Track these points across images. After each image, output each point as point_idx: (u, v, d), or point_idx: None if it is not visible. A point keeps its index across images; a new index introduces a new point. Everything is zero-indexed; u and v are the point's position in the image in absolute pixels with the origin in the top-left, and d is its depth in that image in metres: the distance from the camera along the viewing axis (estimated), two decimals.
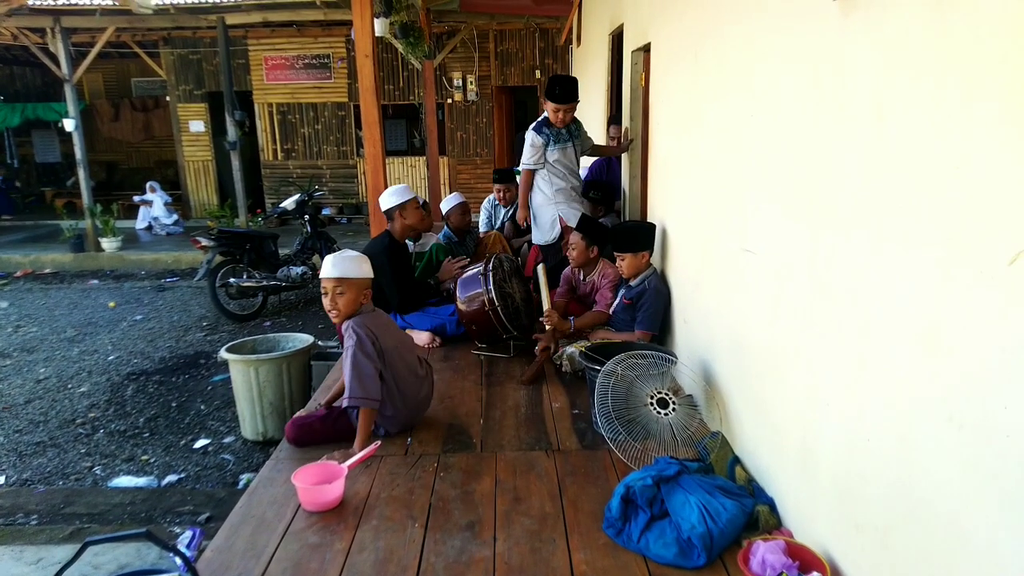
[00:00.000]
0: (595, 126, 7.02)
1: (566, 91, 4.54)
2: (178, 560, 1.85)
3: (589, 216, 4.33)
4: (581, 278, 4.16)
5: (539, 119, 4.77)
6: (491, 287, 3.81)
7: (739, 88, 2.55)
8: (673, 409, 2.72)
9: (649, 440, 2.69)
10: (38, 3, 9.81)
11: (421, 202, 4.49)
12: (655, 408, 2.72)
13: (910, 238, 1.49)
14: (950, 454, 1.37)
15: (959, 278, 1.33)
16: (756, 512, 2.21)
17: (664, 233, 3.70)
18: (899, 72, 1.52)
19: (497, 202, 5.98)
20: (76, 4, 9.98)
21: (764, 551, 1.92)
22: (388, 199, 4.35)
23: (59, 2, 9.82)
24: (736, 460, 2.55)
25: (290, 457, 2.88)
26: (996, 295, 1.23)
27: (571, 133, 4.74)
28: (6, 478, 4.25)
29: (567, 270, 4.26)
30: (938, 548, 1.42)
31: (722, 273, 2.77)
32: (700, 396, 3.03)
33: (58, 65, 10.59)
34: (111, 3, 9.76)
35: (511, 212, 5.88)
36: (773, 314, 2.26)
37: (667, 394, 2.75)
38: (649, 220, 4.13)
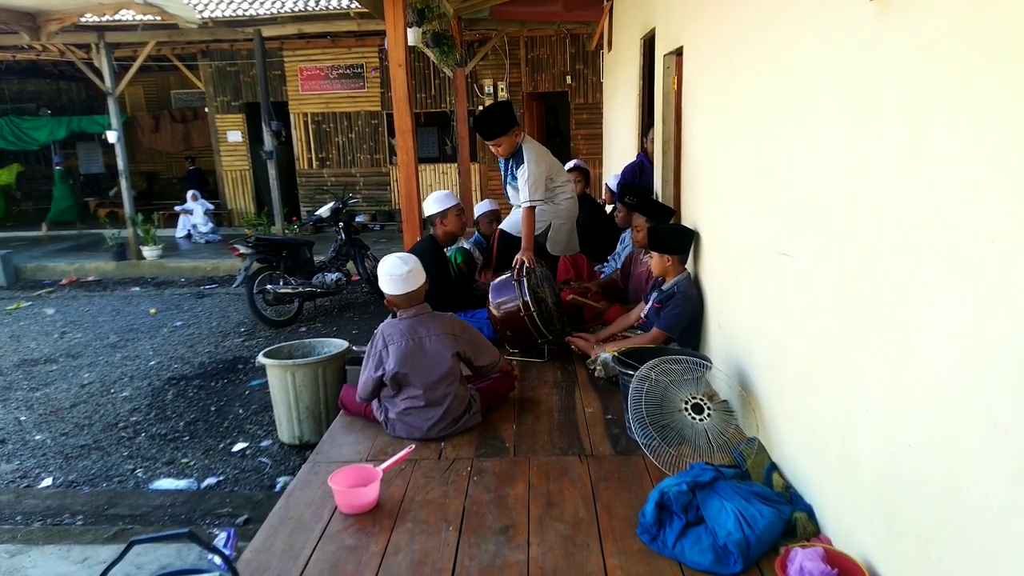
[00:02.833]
0: (626, 130, 7.00)
1: (483, 128, 4.37)
2: (218, 560, 1.89)
3: (648, 193, 4.57)
4: (642, 258, 4.33)
5: None
6: (526, 291, 3.83)
7: (773, 90, 2.53)
8: (708, 414, 2.70)
9: (684, 446, 2.67)
10: (84, 20, 10.12)
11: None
12: (690, 413, 2.70)
13: (952, 242, 1.46)
14: (995, 461, 1.34)
15: (1004, 282, 1.30)
16: (794, 519, 2.18)
17: (697, 236, 3.68)
18: (936, 71, 1.50)
19: None
20: (120, 20, 10.28)
21: (802, 558, 1.89)
22: (431, 205, 4.58)
23: (104, 19, 10.13)
24: (773, 466, 2.52)
25: (326, 460, 2.92)
26: None
27: (510, 171, 4.50)
28: (53, 480, 4.38)
29: (630, 253, 4.55)
30: (983, 559, 1.39)
31: (758, 277, 2.74)
32: (736, 401, 2.99)
33: (102, 79, 10.91)
34: (152, 19, 10.03)
35: None
36: (811, 318, 2.23)
37: (702, 399, 2.73)
38: (683, 224, 4.11)
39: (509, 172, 4.54)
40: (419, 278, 3.12)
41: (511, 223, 4.71)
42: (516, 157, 4.43)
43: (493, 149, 4.42)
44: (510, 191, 4.66)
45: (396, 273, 3.06)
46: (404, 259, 3.12)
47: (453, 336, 3.08)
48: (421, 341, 3.03)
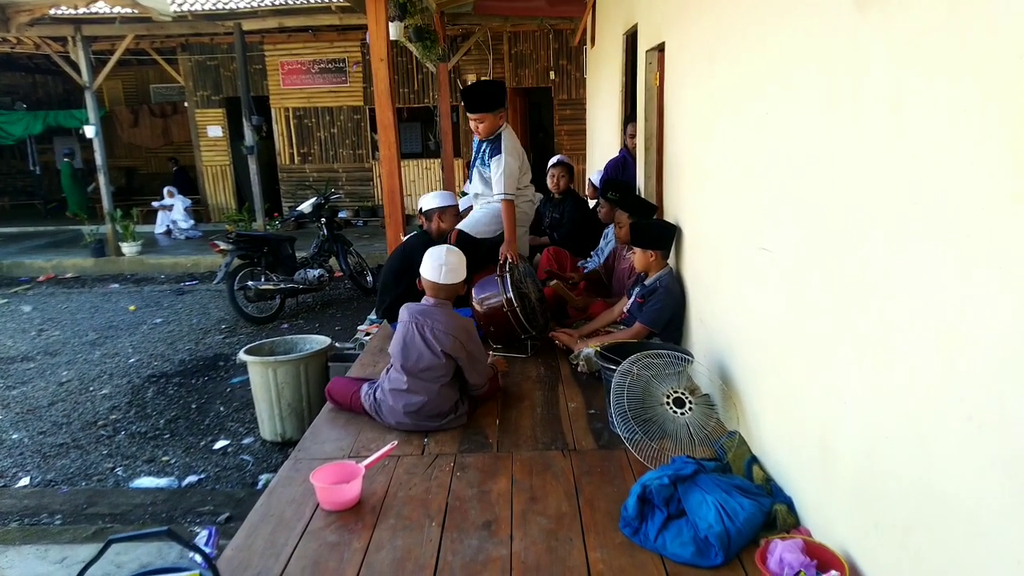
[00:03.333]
0: (609, 126, 7.02)
1: (472, 99, 4.16)
2: (198, 558, 1.87)
3: (630, 188, 4.47)
4: (625, 253, 4.30)
5: None
6: (509, 287, 3.83)
7: (755, 86, 2.54)
8: (690, 408, 2.71)
9: (666, 439, 2.69)
10: (59, 12, 9.96)
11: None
12: (671, 407, 2.71)
13: (928, 236, 1.48)
14: (970, 453, 1.36)
15: (979, 276, 1.32)
16: (774, 511, 2.20)
17: (679, 232, 3.69)
18: (915, 68, 1.51)
19: None
20: (96, 13, 10.13)
21: (782, 550, 1.91)
22: (433, 200, 4.57)
23: (80, 11, 9.98)
24: (754, 459, 2.54)
25: (308, 456, 2.91)
26: (1017, 293, 1.22)
27: (481, 153, 4.34)
28: (31, 479, 4.32)
29: (614, 248, 4.50)
30: (958, 548, 1.41)
31: (738, 272, 2.76)
32: (717, 395, 3.01)
33: (79, 73, 10.75)
34: (130, 12, 9.89)
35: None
36: (790, 313, 2.25)
37: (683, 393, 2.75)
38: (666, 219, 4.12)
39: (480, 156, 4.38)
40: (455, 277, 3.21)
41: (471, 223, 4.58)
42: (493, 143, 4.27)
43: (473, 124, 4.24)
44: (475, 176, 4.49)
45: (437, 259, 3.20)
46: (452, 252, 3.25)
47: (455, 338, 3.08)
48: (422, 329, 3.08)
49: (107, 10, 10.02)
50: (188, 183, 14.23)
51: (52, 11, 9.71)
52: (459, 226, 4.62)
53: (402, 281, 4.37)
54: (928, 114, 1.47)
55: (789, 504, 2.25)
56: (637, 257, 3.66)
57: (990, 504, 1.31)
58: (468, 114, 4.19)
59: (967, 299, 1.35)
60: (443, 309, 3.16)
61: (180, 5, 10.64)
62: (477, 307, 3.96)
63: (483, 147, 4.34)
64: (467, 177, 4.58)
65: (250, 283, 7.47)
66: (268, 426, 4.56)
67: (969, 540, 1.37)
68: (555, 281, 4.42)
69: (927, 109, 1.47)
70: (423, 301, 3.23)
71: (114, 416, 5.24)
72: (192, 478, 4.26)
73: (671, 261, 3.74)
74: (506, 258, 4.07)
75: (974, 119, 1.32)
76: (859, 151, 1.76)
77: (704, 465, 2.36)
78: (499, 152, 4.20)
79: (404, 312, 3.20)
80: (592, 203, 6.15)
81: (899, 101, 1.57)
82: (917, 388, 1.54)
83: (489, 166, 4.27)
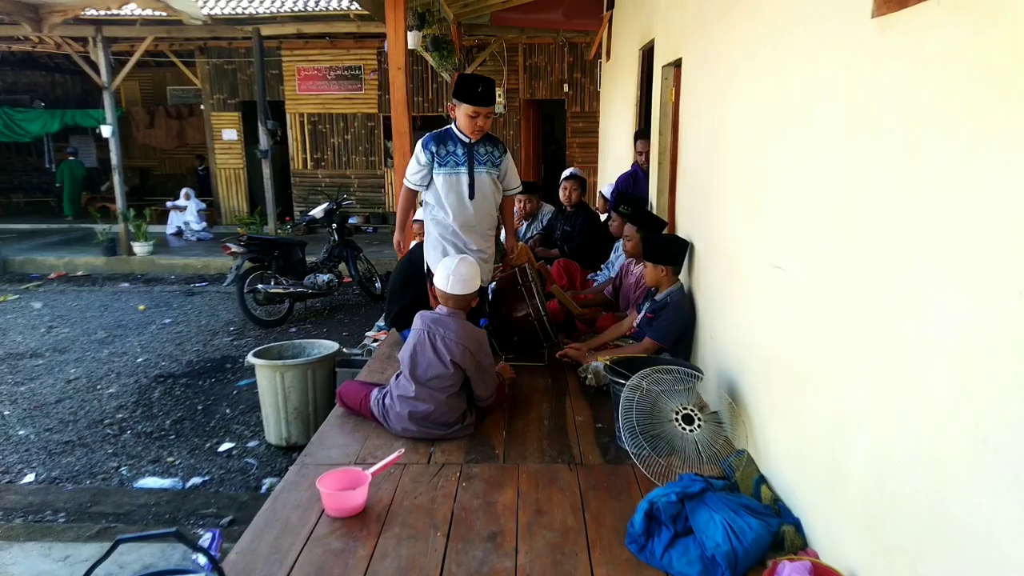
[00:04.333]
0: (622, 140, 7.03)
1: (487, 93, 3.55)
2: (203, 561, 1.87)
3: (642, 203, 4.43)
4: (632, 268, 4.30)
5: (439, 129, 3.78)
6: (535, 294, 3.87)
7: (772, 103, 2.55)
8: (698, 425, 2.70)
9: (673, 456, 2.67)
10: (92, 13, 10.06)
11: None
12: (680, 424, 2.70)
13: (944, 257, 1.47)
14: (985, 477, 1.34)
15: (995, 299, 1.31)
16: (782, 532, 2.18)
17: (691, 247, 3.69)
18: (935, 90, 1.51)
19: (517, 213, 6.01)
20: (127, 15, 10.22)
21: (790, 571, 1.89)
22: None
23: (112, 12, 10.06)
24: (762, 479, 2.52)
25: (315, 462, 2.91)
26: None
27: (478, 157, 3.68)
28: (36, 476, 4.33)
29: (623, 263, 4.46)
30: (971, 574, 1.39)
31: (750, 289, 2.75)
32: (726, 413, 2.99)
33: (98, 73, 10.85)
34: (151, 13, 9.99)
35: (538, 225, 5.95)
36: (802, 332, 2.24)
37: (693, 410, 2.73)
38: (678, 234, 4.12)
39: (486, 160, 3.70)
40: (463, 288, 3.19)
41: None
42: (490, 140, 3.75)
43: (480, 122, 3.59)
44: (486, 185, 3.71)
45: (447, 268, 3.20)
46: (465, 263, 3.24)
47: (465, 348, 3.06)
48: (433, 337, 3.08)
49: (139, 12, 10.08)
50: (206, 184, 14.34)
51: (84, 12, 9.79)
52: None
53: (409, 290, 4.37)
54: (948, 135, 1.46)
55: (797, 525, 2.23)
56: (648, 271, 3.65)
57: (1005, 529, 1.29)
58: (478, 108, 3.53)
59: (985, 321, 1.34)
60: (456, 319, 3.15)
61: (201, 9, 10.74)
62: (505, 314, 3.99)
63: (479, 149, 3.71)
64: (471, 193, 3.72)
65: (260, 286, 7.50)
66: (274, 430, 4.56)
67: (982, 566, 1.36)
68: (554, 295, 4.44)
69: (947, 130, 1.47)
70: (437, 310, 3.23)
71: (120, 415, 5.26)
72: (196, 480, 4.27)
73: (682, 276, 3.73)
74: (523, 268, 4.05)
75: (994, 142, 1.31)
76: (876, 170, 1.75)
77: (712, 483, 2.34)
78: (504, 149, 3.81)
79: (418, 319, 3.20)
80: (603, 216, 6.15)
81: (918, 122, 1.57)
82: (931, 410, 1.52)
83: (500, 166, 3.79)
